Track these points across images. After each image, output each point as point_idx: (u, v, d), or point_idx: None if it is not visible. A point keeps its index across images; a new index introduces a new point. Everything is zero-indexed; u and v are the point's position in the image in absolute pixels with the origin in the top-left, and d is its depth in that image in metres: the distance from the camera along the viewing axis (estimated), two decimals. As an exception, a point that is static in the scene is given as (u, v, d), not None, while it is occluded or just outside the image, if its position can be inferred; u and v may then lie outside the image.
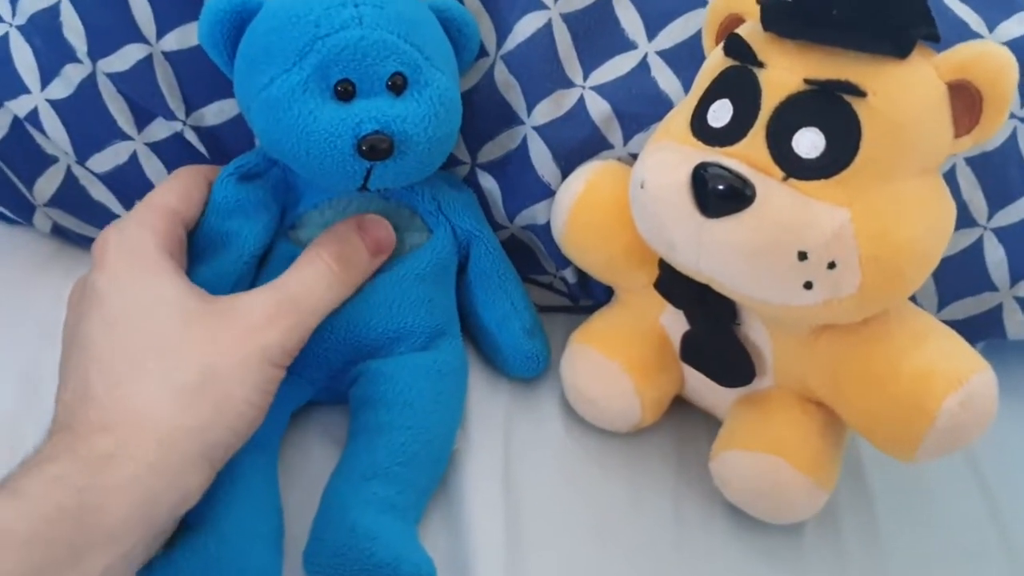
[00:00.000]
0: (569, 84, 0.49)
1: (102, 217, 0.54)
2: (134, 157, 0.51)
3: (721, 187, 0.36)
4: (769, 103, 0.37)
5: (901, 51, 0.35)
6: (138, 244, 0.42)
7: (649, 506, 0.47)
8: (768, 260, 0.36)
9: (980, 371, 0.39)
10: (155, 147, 0.51)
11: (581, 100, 0.49)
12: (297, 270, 0.43)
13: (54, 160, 0.53)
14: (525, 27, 0.49)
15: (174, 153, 0.51)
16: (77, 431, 0.36)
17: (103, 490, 0.34)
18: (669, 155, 0.40)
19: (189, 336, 0.39)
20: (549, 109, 0.49)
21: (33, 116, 0.50)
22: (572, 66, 0.49)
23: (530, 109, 0.49)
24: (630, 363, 0.46)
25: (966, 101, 0.36)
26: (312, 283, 0.43)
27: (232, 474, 0.43)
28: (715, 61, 0.40)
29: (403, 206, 0.49)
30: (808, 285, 0.36)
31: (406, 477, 0.44)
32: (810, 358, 0.43)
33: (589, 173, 0.47)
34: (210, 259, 0.46)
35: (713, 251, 0.38)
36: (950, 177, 0.48)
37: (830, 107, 0.36)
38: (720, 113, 0.39)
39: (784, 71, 0.37)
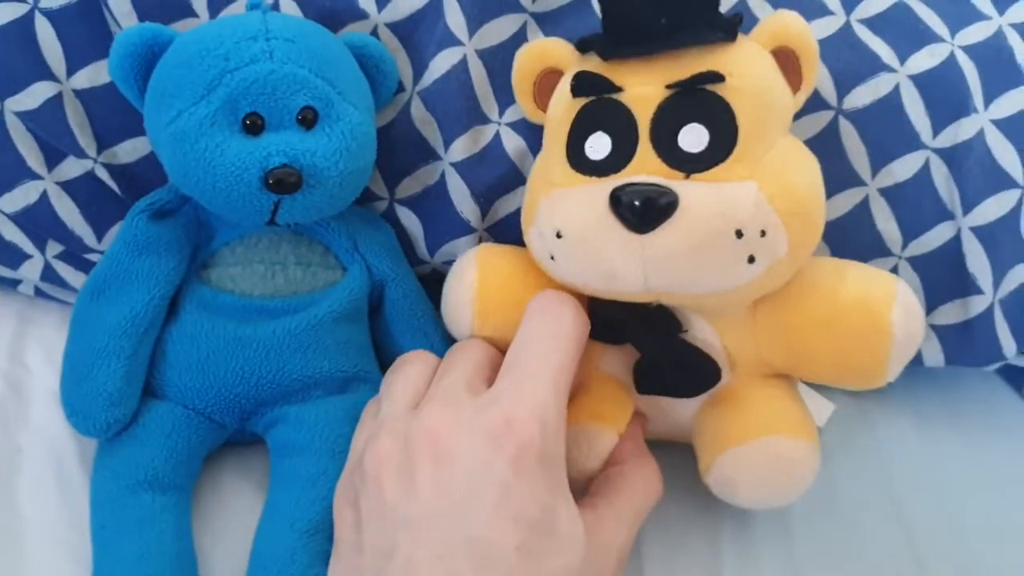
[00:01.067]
0: (485, 120, 0.49)
1: (14, 257, 0.53)
2: (44, 196, 0.50)
3: (644, 202, 0.38)
4: (643, 117, 0.40)
5: (731, 35, 0.40)
6: None
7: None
8: (714, 250, 0.38)
9: (897, 280, 0.42)
10: (66, 186, 0.50)
11: (497, 136, 0.49)
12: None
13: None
14: (441, 63, 0.48)
15: (86, 191, 0.50)
16: None
17: None
18: (574, 197, 0.40)
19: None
20: (466, 145, 0.49)
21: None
22: (488, 102, 0.49)
23: (447, 145, 0.49)
24: (596, 416, 0.45)
25: (784, 63, 0.42)
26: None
27: (141, 523, 0.42)
28: (563, 106, 0.43)
29: (316, 242, 0.48)
30: (751, 259, 0.39)
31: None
32: (755, 335, 0.44)
33: (474, 260, 0.46)
34: (117, 298, 0.45)
35: (660, 263, 0.39)
36: (863, 209, 0.49)
37: (698, 101, 0.40)
38: (598, 145, 0.41)
39: (643, 86, 0.40)
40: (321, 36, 0.44)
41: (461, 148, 0.49)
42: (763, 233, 0.38)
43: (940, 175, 0.48)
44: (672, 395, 0.45)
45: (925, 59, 0.49)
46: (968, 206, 0.48)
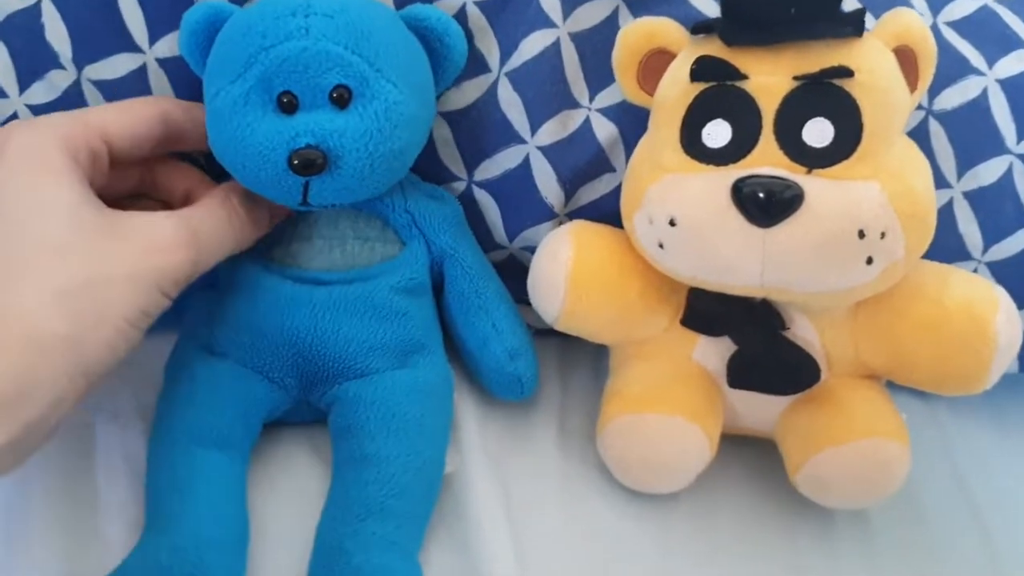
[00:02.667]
0: (575, 105, 0.48)
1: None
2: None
3: (769, 195, 0.37)
4: (768, 108, 0.39)
5: (858, 30, 0.39)
6: (44, 143, 0.40)
7: (654, 527, 0.46)
8: (835, 249, 0.38)
9: (996, 287, 0.43)
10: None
11: (587, 121, 0.48)
12: (204, 207, 0.43)
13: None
14: (532, 45, 0.48)
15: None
16: None
17: None
18: (692, 185, 0.40)
19: (79, 242, 0.38)
20: (554, 129, 0.48)
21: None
22: (579, 86, 0.48)
23: (534, 128, 0.48)
24: (691, 411, 0.44)
25: (903, 61, 0.41)
26: (216, 224, 0.43)
27: (193, 475, 0.42)
28: (678, 89, 0.42)
29: (374, 217, 0.47)
30: (869, 260, 0.38)
31: (402, 509, 0.43)
32: (855, 336, 0.44)
33: (570, 237, 0.45)
34: None
35: (780, 259, 0.38)
36: (946, 211, 0.49)
37: (825, 95, 0.39)
38: (717, 133, 0.40)
39: (768, 76, 0.40)
40: (366, 10, 0.43)
41: (549, 132, 0.48)
42: (883, 235, 0.38)
43: (1023, 181, 0.48)
44: (767, 392, 0.45)
45: (1013, 64, 0.49)
46: (1050, 213, 0.48)
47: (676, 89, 0.42)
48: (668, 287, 0.44)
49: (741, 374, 0.44)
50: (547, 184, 0.49)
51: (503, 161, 0.50)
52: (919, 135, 0.48)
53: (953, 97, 0.48)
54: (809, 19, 0.39)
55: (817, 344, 0.44)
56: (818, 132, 0.39)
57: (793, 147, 0.39)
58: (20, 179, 0.39)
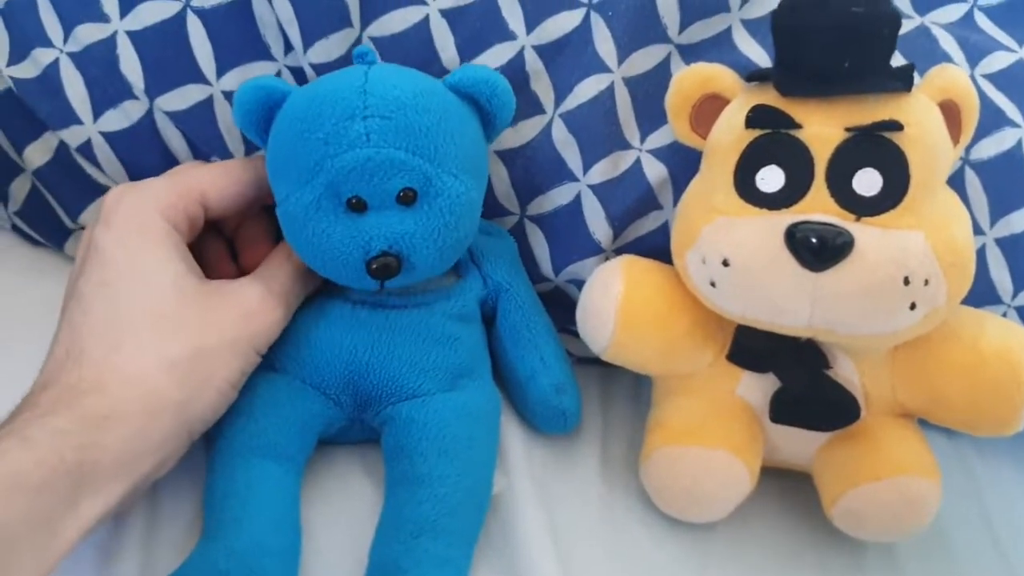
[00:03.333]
0: (627, 146, 0.51)
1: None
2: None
3: (822, 241, 0.39)
4: (821, 157, 0.41)
5: (908, 85, 0.42)
6: (148, 212, 0.43)
7: (692, 556, 0.48)
8: (882, 295, 0.40)
9: None
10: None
11: (638, 162, 0.50)
12: (279, 264, 0.46)
13: (105, 191, 0.52)
14: (587, 88, 0.50)
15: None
16: (72, 388, 0.38)
17: (99, 448, 0.37)
18: (746, 228, 0.42)
19: (185, 312, 0.41)
20: (606, 169, 0.50)
21: (86, 147, 0.50)
22: (630, 128, 0.51)
23: (587, 168, 0.50)
24: (732, 445, 0.46)
25: (947, 115, 0.43)
26: (294, 277, 0.46)
27: (251, 484, 0.44)
28: (733, 135, 0.43)
29: None
30: (912, 306, 0.40)
31: (453, 528, 0.44)
32: (894, 376, 0.46)
33: (620, 271, 0.47)
34: None
35: (829, 302, 0.40)
36: (979, 257, 0.50)
37: (876, 146, 0.41)
38: (770, 178, 0.42)
39: (822, 126, 0.41)
40: (420, 103, 0.43)
41: (600, 171, 0.50)
42: (927, 282, 0.40)
43: (1053, 230, 0.50)
44: (808, 427, 0.46)
45: (1046, 118, 0.51)
46: (1078, 261, 0.50)
47: (731, 134, 0.44)
48: (715, 323, 0.46)
49: (784, 410, 0.46)
50: (596, 221, 0.51)
51: (555, 198, 0.51)
52: (956, 183, 0.50)
53: (989, 147, 0.50)
54: (861, 73, 0.41)
55: (857, 383, 0.46)
56: (868, 182, 0.41)
57: (843, 195, 0.41)
58: (127, 249, 0.42)
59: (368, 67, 0.44)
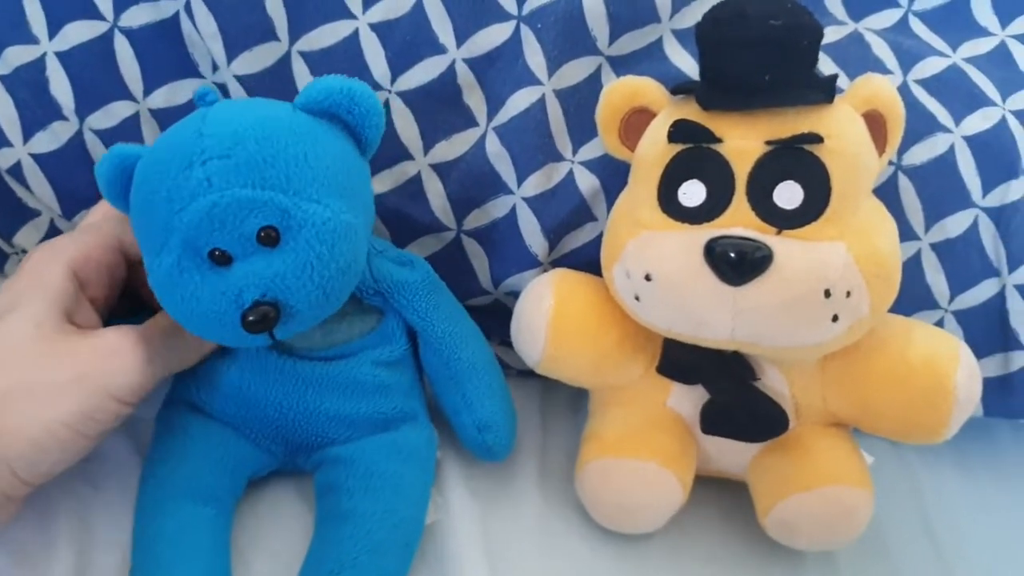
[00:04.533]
0: (559, 158, 0.50)
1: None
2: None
3: (740, 255, 0.39)
4: (741, 171, 0.41)
5: (829, 97, 0.42)
6: (52, 261, 0.42)
7: (629, 566, 0.48)
8: (802, 308, 0.40)
9: (960, 342, 0.44)
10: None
11: (570, 174, 0.50)
12: (163, 318, 0.43)
13: (36, 214, 0.52)
14: (519, 101, 0.50)
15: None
16: None
17: None
18: (667, 243, 0.42)
19: (26, 347, 0.39)
20: (539, 181, 0.50)
21: (16, 169, 0.50)
22: (562, 140, 0.50)
23: (520, 180, 0.50)
24: (664, 457, 0.46)
25: (872, 125, 0.43)
26: (166, 333, 0.42)
27: (181, 528, 0.43)
28: (657, 149, 0.43)
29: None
30: (835, 318, 0.40)
31: (376, 565, 0.43)
32: (824, 386, 0.46)
33: (551, 286, 0.47)
34: None
35: (749, 316, 0.40)
36: (914, 262, 0.51)
37: (796, 159, 0.41)
38: (692, 192, 0.42)
39: (743, 140, 0.41)
40: (261, 132, 0.39)
41: (534, 184, 0.50)
42: (848, 294, 0.40)
43: (988, 233, 0.51)
44: (738, 439, 0.46)
45: (979, 122, 0.51)
46: (1013, 264, 0.50)
47: (655, 149, 0.44)
48: (644, 336, 0.46)
49: (713, 422, 0.46)
50: (532, 233, 0.51)
51: (491, 211, 0.51)
52: (888, 189, 0.50)
53: (922, 153, 0.50)
54: (782, 86, 0.41)
55: (787, 394, 0.46)
56: (788, 195, 0.41)
57: (764, 208, 0.41)
58: (11, 293, 0.41)
59: (208, 107, 0.40)
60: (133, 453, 0.49)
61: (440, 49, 0.50)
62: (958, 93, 0.52)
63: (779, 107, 0.42)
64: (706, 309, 0.41)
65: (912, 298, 0.51)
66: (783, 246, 0.40)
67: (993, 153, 0.50)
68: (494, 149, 0.50)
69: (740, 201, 0.41)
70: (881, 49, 0.52)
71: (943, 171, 0.50)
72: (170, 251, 0.39)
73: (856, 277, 0.40)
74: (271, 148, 0.39)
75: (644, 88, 0.46)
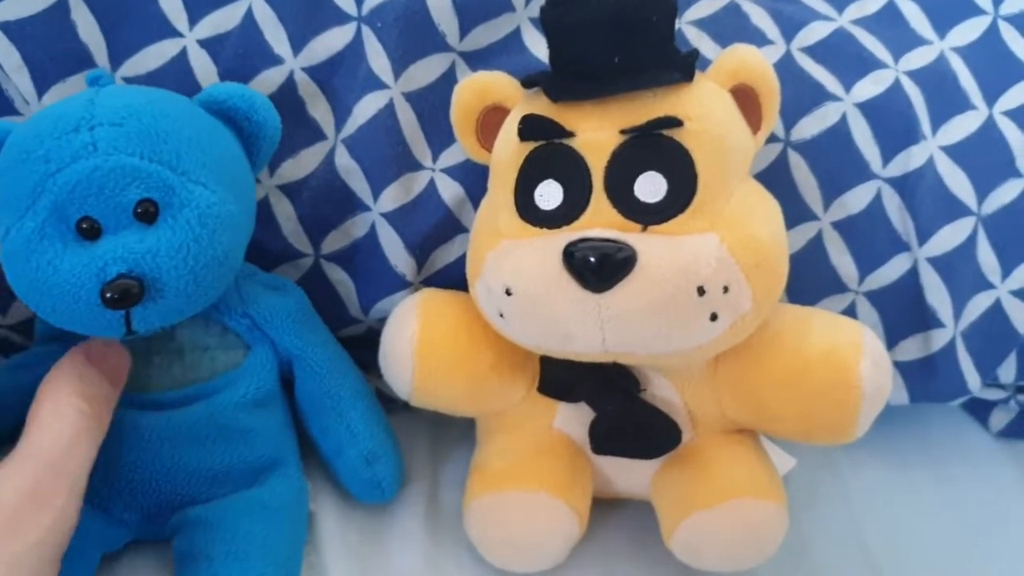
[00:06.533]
0: (418, 167, 0.46)
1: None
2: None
3: (600, 259, 0.35)
4: (597, 166, 0.37)
5: (688, 75, 0.37)
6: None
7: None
8: (674, 309, 0.36)
9: (862, 328, 0.40)
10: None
11: (432, 183, 0.46)
12: (45, 427, 0.36)
13: None
14: (365, 108, 0.45)
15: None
16: None
17: None
18: (524, 253, 0.38)
19: None
20: (397, 194, 0.46)
21: None
22: (419, 148, 0.46)
23: (376, 194, 0.46)
24: (554, 485, 0.42)
25: (744, 101, 0.39)
26: (69, 437, 0.36)
27: None
28: (510, 150, 0.39)
29: (213, 322, 0.43)
30: (714, 317, 0.36)
31: None
32: (717, 391, 0.42)
33: (415, 309, 0.43)
34: None
35: (618, 323, 0.36)
36: (816, 244, 0.47)
37: (656, 147, 0.37)
38: (548, 194, 0.38)
39: (595, 131, 0.37)
40: (159, 110, 0.38)
41: (392, 197, 0.46)
42: (726, 289, 0.36)
43: (893, 205, 0.47)
44: (631, 456, 0.42)
45: (870, 86, 0.47)
46: (923, 236, 0.47)
47: (508, 149, 0.40)
48: (523, 354, 0.42)
49: (602, 440, 0.42)
50: (395, 252, 0.47)
51: (350, 231, 0.47)
52: (779, 168, 0.46)
53: (811, 126, 0.46)
54: (634, 68, 0.37)
55: (678, 403, 0.42)
56: (650, 187, 0.37)
57: (626, 204, 0.37)
58: None
59: (98, 89, 0.38)
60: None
61: (276, 60, 0.45)
62: (846, 58, 0.48)
63: (633, 92, 0.37)
64: (572, 321, 0.36)
65: (818, 283, 0.47)
66: (648, 244, 0.36)
67: (889, 119, 0.47)
68: (344, 163, 0.46)
69: (599, 199, 0.37)
70: (760, 18, 0.48)
71: (837, 143, 0.46)
72: (35, 215, 0.36)
73: (733, 270, 0.36)
74: (165, 125, 0.38)
75: (495, 83, 0.41)
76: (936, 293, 0.47)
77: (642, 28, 0.37)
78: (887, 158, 0.47)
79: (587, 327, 0.36)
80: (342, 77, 0.46)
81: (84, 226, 0.36)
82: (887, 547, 0.47)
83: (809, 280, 0.47)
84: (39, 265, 0.36)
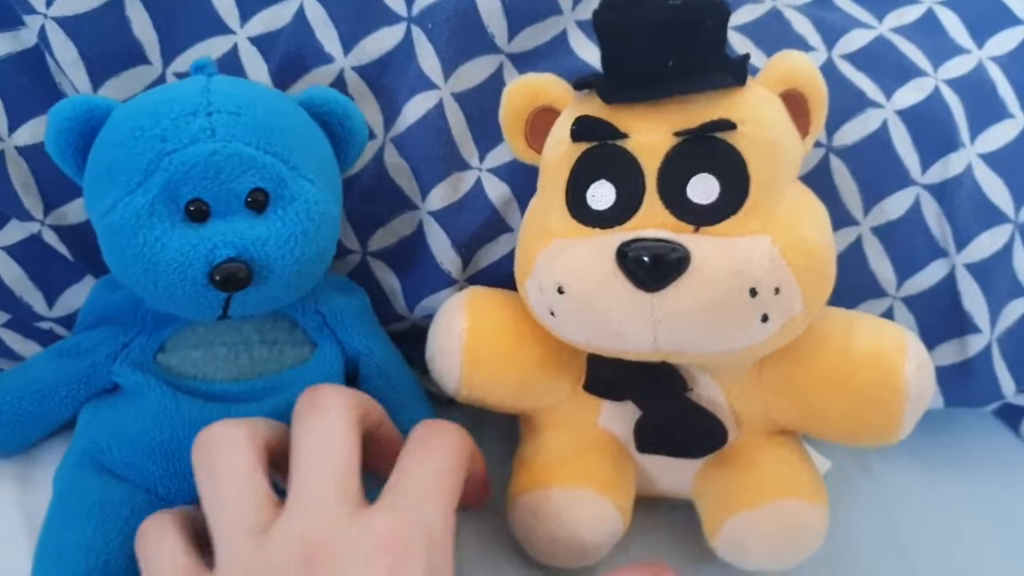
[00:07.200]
0: (465, 166, 0.47)
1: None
2: (-12, 262, 0.46)
3: (654, 259, 0.35)
4: (651, 167, 0.37)
5: (741, 79, 0.38)
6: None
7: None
8: (727, 309, 0.36)
9: (907, 333, 0.41)
10: (11, 250, 0.46)
11: (479, 183, 0.47)
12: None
13: None
14: (415, 108, 0.46)
15: (33, 256, 0.46)
16: None
17: None
18: (577, 251, 0.38)
19: None
20: (445, 193, 0.46)
21: None
22: (467, 148, 0.47)
23: (424, 193, 0.46)
24: (599, 483, 0.42)
25: (793, 106, 0.40)
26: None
27: None
28: (562, 150, 0.40)
29: (281, 317, 0.44)
30: (765, 318, 0.37)
31: None
32: (763, 392, 0.42)
33: (464, 306, 0.43)
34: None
35: (670, 323, 0.36)
36: (856, 249, 0.47)
37: (709, 150, 0.37)
38: (601, 195, 0.38)
39: (650, 133, 0.37)
40: (271, 103, 0.40)
41: (440, 196, 0.46)
42: (777, 290, 0.36)
43: (931, 212, 0.47)
44: (676, 455, 0.43)
45: (911, 94, 0.47)
46: (961, 243, 0.47)
47: (560, 150, 0.40)
48: (569, 352, 0.42)
49: (648, 438, 0.42)
50: (442, 250, 0.47)
51: (397, 229, 0.48)
52: (820, 173, 0.47)
53: (853, 132, 0.47)
54: (687, 72, 0.37)
55: (724, 403, 0.42)
56: (703, 189, 0.37)
57: (678, 206, 0.37)
58: None
59: (208, 77, 0.40)
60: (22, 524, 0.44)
61: (327, 58, 0.46)
62: (887, 65, 0.48)
63: (686, 95, 0.38)
64: (624, 319, 0.37)
65: (857, 288, 0.48)
66: (701, 245, 0.36)
67: (929, 126, 0.47)
68: (393, 161, 0.46)
69: (652, 200, 0.37)
70: (802, 25, 0.49)
71: (878, 149, 0.47)
72: (146, 191, 0.37)
73: (784, 272, 0.36)
74: (280, 120, 0.39)
75: (546, 85, 0.42)
76: (973, 299, 0.48)
77: (695, 32, 0.37)
78: (926, 165, 0.47)
79: (639, 326, 0.37)
80: (392, 77, 0.46)
81: (192, 208, 0.37)
82: (923, 547, 0.47)
83: (849, 284, 0.47)
84: (147, 241, 0.37)
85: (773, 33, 0.48)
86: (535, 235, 0.41)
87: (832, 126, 0.47)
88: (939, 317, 0.48)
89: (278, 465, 0.37)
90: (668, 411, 0.42)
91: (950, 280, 0.48)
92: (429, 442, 0.38)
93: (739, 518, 0.41)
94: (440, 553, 0.35)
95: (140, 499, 0.41)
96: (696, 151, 0.37)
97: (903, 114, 0.47)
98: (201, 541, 0.36)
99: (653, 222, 0.37)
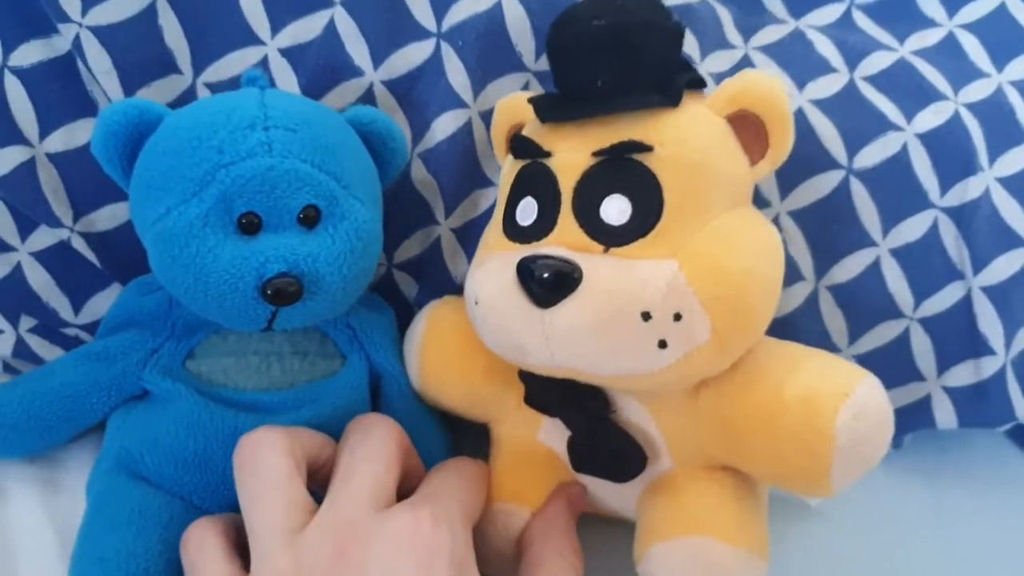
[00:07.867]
0: (487, 183, 0.47)
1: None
2: (18, 268, 0.47)
3: (546, 275, 0.35)
4: (567, 186, 0.37)
5: (672, 100, 0.37)
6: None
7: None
8: (615, 331, 0.35)
9: (862, 379, 0.37)
10: (40, 256, 0.47)
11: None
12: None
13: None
14: (445, 125, 0.47)
15: (62, 262, 0.47)
16: None
17: None
18: (492, 264, 0.39)
19: None
20: (466, 210, 0.47)
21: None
22: (490, 164, 0.47)
23: (449, 210, 0.47)
24: (535, 500, 0.42)
25: (750, 130, 0.38)
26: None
27: None
28: (508, 167, 0.41)
29: (313, 329, 0.44)
30: (663, 344, 0.36)
31: None
32: (697, 422, 0.40)
33: (427, 311, 0.45)
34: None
35: (561, 340, 0.36)
36: (874, 270, 0.48)
37: (624, 171, 0.37)
38: (527, 211, 0.39)
39: (571, 152, 0.38)
40: (325, 121, 0.40)
41: (461, 213, 0.47)
42: (677, 317, 0.35)
43: (949, 235, 0.48)
44: (602, 477, 0.42)
45: (931, 117, 0.48)
46: (978, 266, 0.48)
47: (506, 167, 0.41)
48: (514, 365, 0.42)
49: (578, 458, 0.42)
50: (457, 265, 0.48)
51: (422, 240, 0.48)
52: (841, 195, 0.47)
53: (873, 154, 0.47)
54: (616, 91, 0.37)
55: (652, 429, 0.41)
56: (616, 209, 0.36)
57: (591, 225, 0.37)
58: None
59: (262, 90, 0.40)
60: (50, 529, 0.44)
61: (357, 72, 0.46)
62: (908, 88, 0.49)
63: (612, 115, 0.37)
64: (521, 332, 0.37)
65: (875, 309, 0.48)
66: (599, 265, 0.36)
67: (948, 150, 0.48)
68: (421, 176, 0.47)
69: (567, 218, 0.37)
70: (825, 47, 0.49)
71: (897, 172, 0.47)
72: (201, 201, 0.37)
73: (688, 299, 0.35)
74: (334, 137, 0.40)
75: (519, 104, 0.42)
76: (989, 321, 0.48)
77: (624, 52, 0.36)
78: (945, 188, 0.48)
79: (535, 341, 0.37)
80: (420, 92, 0.47)
81: (244, 221, 0.38)
82: (932, 566, 0.47)
83: (865, 306, 0.48)
84: (199, 251, 0.37)
85: (796, 54, 0.49)
86: (481, 250, 0.42)
87: (853, 148, 0.47)
88: (955, 338, 0.49)
89: (317, 476, 0.38)
90: (590, 431, 0.41)
91: (966, 302, 0.48)
92: (454, 462, 0.41)
93: (654, 549, 0.39)
94: (463, 551, 0.36)
95: (178, 507, 0.41)
96: (611, 172, 0.37)
97: (923, 137, 0.48)
98: (244, 548, 0.37)
99: (566, 240, 0.37)
